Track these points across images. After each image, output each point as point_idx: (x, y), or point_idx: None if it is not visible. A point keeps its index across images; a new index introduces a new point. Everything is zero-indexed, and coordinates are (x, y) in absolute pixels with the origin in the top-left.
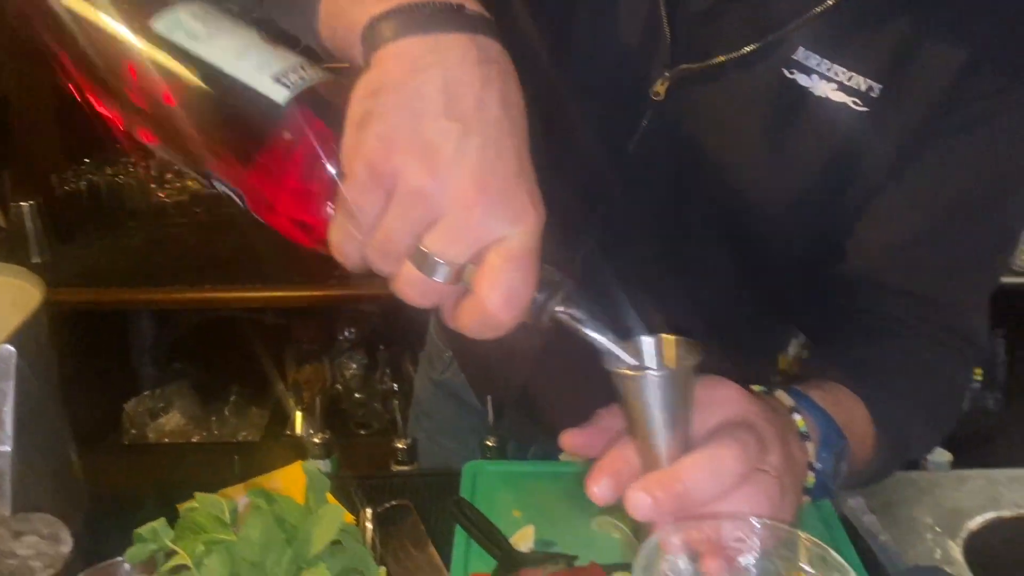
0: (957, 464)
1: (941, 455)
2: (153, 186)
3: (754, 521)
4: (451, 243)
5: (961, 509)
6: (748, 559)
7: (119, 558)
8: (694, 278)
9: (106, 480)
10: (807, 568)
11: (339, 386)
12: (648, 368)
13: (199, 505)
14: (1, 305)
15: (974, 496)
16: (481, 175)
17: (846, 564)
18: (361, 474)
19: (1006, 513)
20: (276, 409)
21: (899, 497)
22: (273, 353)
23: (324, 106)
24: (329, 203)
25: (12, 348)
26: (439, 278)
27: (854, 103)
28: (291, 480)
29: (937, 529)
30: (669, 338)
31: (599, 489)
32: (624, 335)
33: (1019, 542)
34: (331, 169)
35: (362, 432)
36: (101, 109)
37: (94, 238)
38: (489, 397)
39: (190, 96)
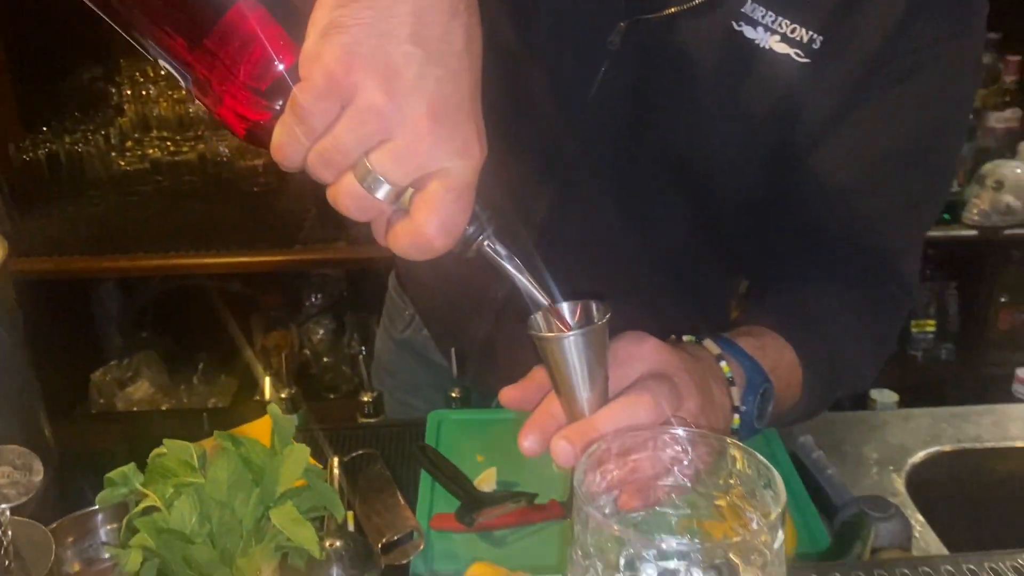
0: (903, 405)
1: (889, 396)
2: (114, 154)
3: (681, 431)
4: (397, 165)
5: (905, 445)
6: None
7: (92, 507)
8: (648, 224)
9: (76, 444)
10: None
11: (307, 351)
12: (563, 330)
13: (168, 451)
14: None
15: (917, 433)
16: (436, 105)
17: (770, 466)
18: (328, 427)
19: (946, 448)
20: (245, 376)
21: (847, 435)
22: (240, 320)
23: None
24: (277, 102)
25: None
26: (379, 196)
27: (796, 54)
28: (260, 433)
29: (882, 464)
30: (584, 301)
31: (528, 443)
32: (542, 294)
33: (957, 474)
34: (283, 68)
35: (331, 396)
36: None
37: (55, 207)
38: (452, 350)
39: None
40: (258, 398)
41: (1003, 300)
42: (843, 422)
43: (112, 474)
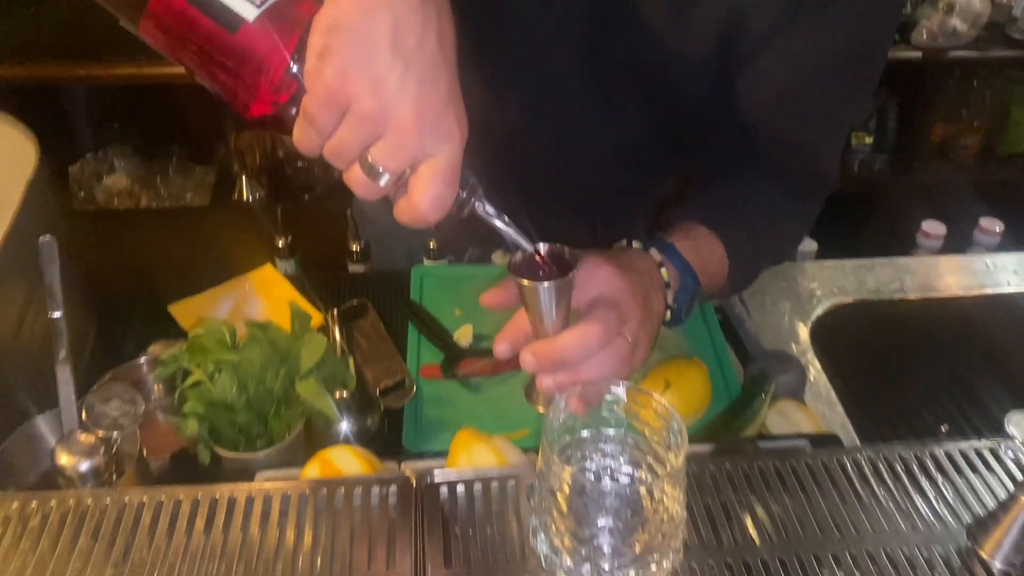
0: (822, 253)
1: (808, 245)
2: None
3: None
4: (391, 157)
5: (812, 295)
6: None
7: (140, 359)
8: (608, 127)
9: (88, 266)
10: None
11: (281, 152)
12: (538, 277)
13: (204, 331)
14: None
15: (824, 284)
16: (418, 104)
17: (671, 409)
18: (322, 274)
19: (847, 299)
20: (221, 172)
21: (766, 286)
22: (212, 115)
23: (291, 20)
24: (292, 109)
25: (52, 237)
26: (381, 183)
27: None
28: (263, 280)
29: (792, 314)
30: (559, 246)
31: (501, 348)
32: (526, 241)
33: (854, 324)
34: (294, 79)
35: (306, 197)
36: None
37: (20, 8)
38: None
39: (187, 15)
40: (236, 197)
41: (939, 117)
42: (768, 271)
43: (164, 356)
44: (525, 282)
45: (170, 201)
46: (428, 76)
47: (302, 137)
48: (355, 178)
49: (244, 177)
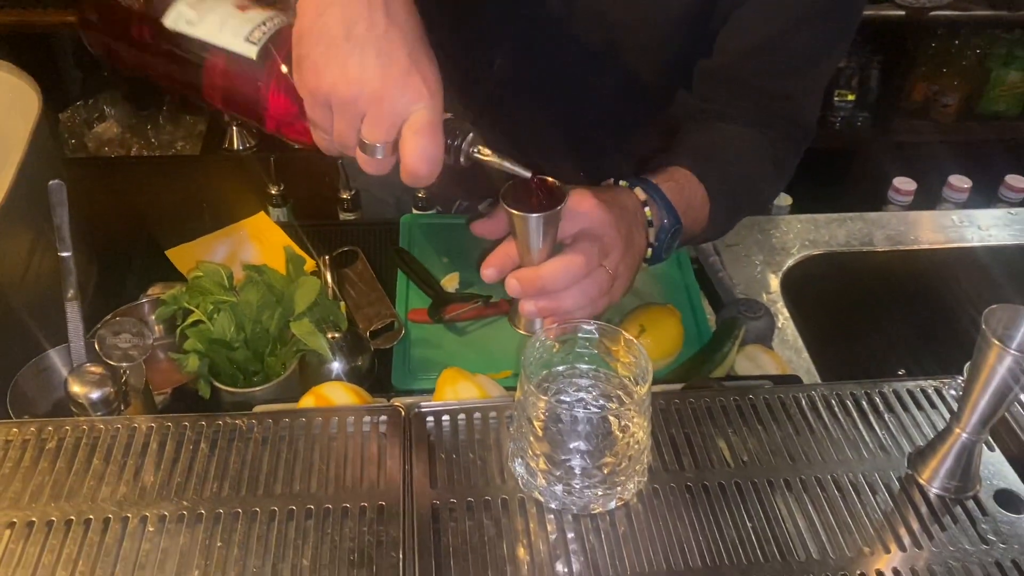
0: (797, 208)
1: (783, 199)
2: None
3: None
4: (374, 129)
5: (785, 247)
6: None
7: (141, 300)
8: (592, 77)
9: (84, 212)
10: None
11: None
12: (529, 208)
13: (203, 273)
14: (2, 107)
15: (797, 237)
16: (382, 77)
17: (638, 346)
18: (314, 223)
19: (816, 251)
20: (212, 121)
21: (741, 238)
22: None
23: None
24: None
25: (61, 182)
26: (379, 156)
27: None
28: (257, 228)
29: (764, 264)
30: (549, 180)
31: (488, 272)
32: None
33: (823, 274)
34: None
35: (296, 146)
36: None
37: None
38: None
39: (203, 65)
40: (226, 147)
41: (920, 75)
42: (743, 224)
43: (165, 296)
44: (516, 212)
45: (160, 150)
46: (384, 51)
47: (316, 139)
48: (362, 159)
49: (235, 127)
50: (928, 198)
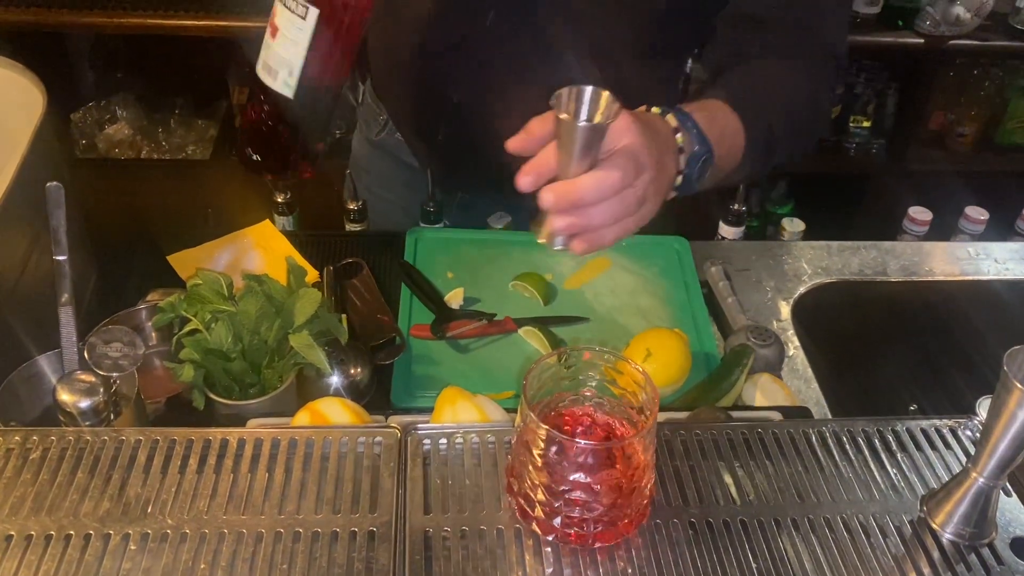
0: (811, 235)
1: (796, 225)
2: None
3: None
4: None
5: (796, 274)
6: None
7: (139, 306)
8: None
9: (89, 213)
10: None
11: None
12: (580, 117)
13: (202, 281)
14: (7, 105)
15: (809, 264)
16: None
17: (644, 374)
18: (320, 232)
19: (827, 280)
20: (223, 126)
21: (752, 263)
22: (216, 69)
23: None
24: None
25: (59, 184)
26: None
27: None
28: (262, 236)
29: (775, 291)
30: (602, 92)
31: (524, 181)
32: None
33: (835, 303)
34: None
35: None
36: None
37: None
38: (429, 171)
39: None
40: (235, 154)
41: (937, 104)
42: (756, 250)
43: (162, 303)
44: (566, 116)
45: (171, 153)
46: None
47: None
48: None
49: None
50: (943, 229)
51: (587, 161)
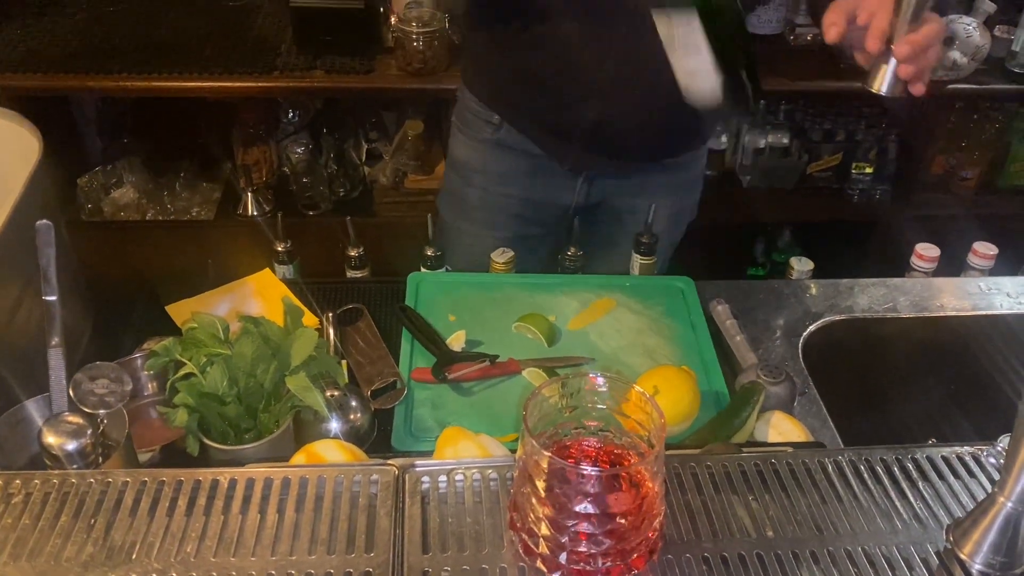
0: (818, 273)
1: (804, 264)
2: None
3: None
4: None
5: (806, 313)
6: None
7: (135, 354)
8: None
9: (90, 271)
10: None
11: (286, 169)
12: None
13: (197, 324)
14: (3, 153)
15: (818, 302)
16: None
17: (651, 400)
18: (320, 280)
19: (837, 317)
20: (227, 188)
21: (760, 303)
22: (220, 132)
23: None
24: None
25: (50, 222)
26: None
27: None
28: (262, 284)
29: (785, 329)
30: None
31: (874, 44)
32: None
33: (845, 340)
34: None
35: (310, 213)
36: None
37: (32, 20)
38: (429, 216)
39: None
40: (240, 213)
41: (939, 148)
42: (762, 289)
43: (156, 347)
44: None
45: (176, 215)
46: None
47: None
48: None
49: (250, 193)
50: (951, 271)
51: (916, 23)
